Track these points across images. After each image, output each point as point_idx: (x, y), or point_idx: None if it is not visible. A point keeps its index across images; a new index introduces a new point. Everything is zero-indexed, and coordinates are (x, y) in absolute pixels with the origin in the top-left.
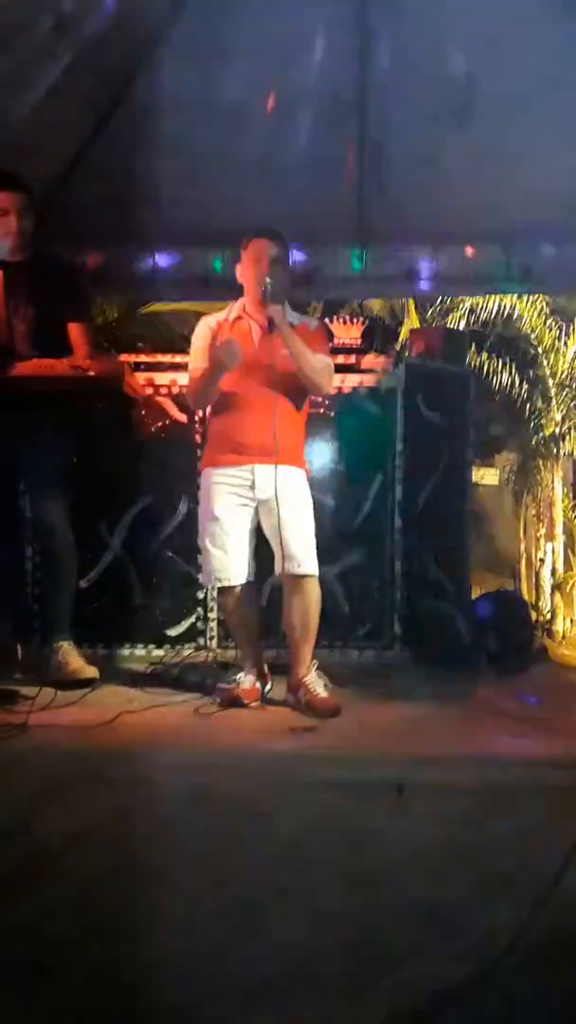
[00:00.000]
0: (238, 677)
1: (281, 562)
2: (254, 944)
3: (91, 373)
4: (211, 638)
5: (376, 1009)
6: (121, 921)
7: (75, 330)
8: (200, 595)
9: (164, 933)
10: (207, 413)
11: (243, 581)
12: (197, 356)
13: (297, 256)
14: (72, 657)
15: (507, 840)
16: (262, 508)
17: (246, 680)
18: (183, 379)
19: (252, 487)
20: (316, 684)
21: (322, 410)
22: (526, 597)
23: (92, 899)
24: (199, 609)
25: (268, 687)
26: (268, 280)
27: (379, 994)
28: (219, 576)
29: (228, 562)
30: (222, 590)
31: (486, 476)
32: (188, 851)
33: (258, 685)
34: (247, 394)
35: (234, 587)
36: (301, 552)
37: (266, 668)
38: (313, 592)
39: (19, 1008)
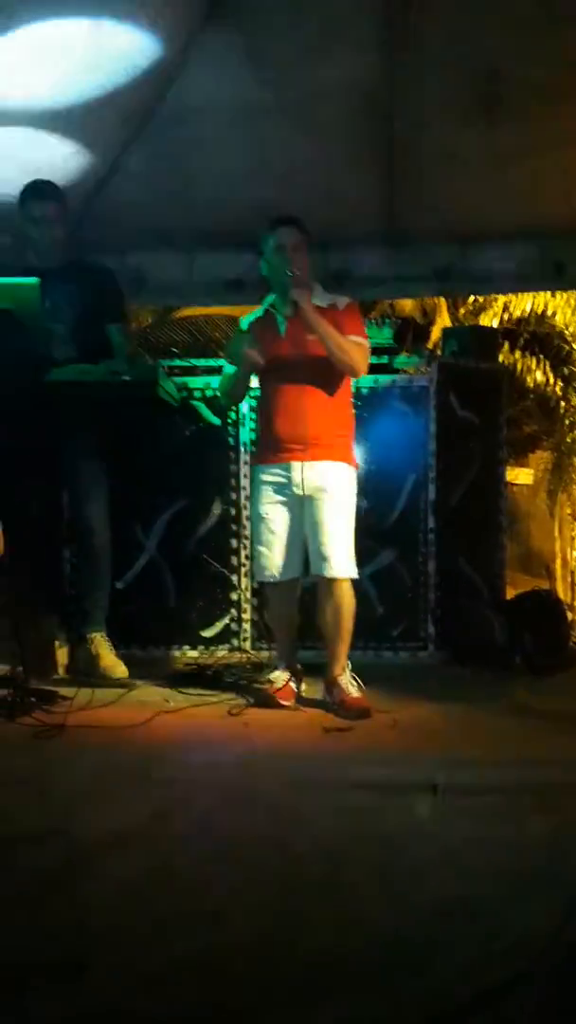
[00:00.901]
0: (272, 676)
1: (316, 563)
2: (286, 944)
3: (127, 378)
4: (245, 639)
5: (408, 1010)
6: (156, 921)
7: (113, 333)
8: (234, 596)
9: (198, 934)
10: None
11: (289, 577)
12: (227, 355)
13: (328, 257)
14: (104, 650)
15: (543, 841)
16: (304, 506)
17: (280, 679)
18: (216, 383)
19: (291, 484)
20: (349, 684)
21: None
22: (562, 597)
23: (129, 898)
24: (233, 611)
25: (303, 686)
26: (289, 264)
27: (411, 995)
28: (265, 572)
29: (274, 559)
30: (265, 585)
31: (520, 475)
32: (222, 851)
33: (292, 685)
34: (280, 388)
35: (278, 583)
36: (334, 555)
37: (299, 666)
38: (345, 595)
39: (58, 1006)
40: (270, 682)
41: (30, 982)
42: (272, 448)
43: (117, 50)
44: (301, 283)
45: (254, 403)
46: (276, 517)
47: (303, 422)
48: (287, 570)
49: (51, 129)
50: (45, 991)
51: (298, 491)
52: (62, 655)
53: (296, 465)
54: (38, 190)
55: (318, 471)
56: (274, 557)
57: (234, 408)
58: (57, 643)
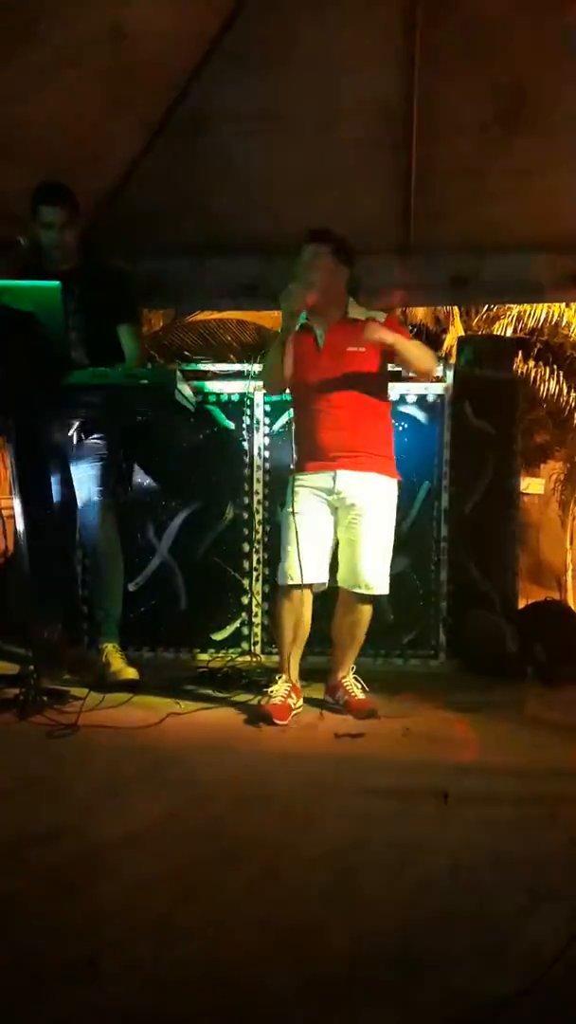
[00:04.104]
0: (271, 690)
1: (346, 577)
2: (295, 948)
3: (145, 381)
4: (255, 643)
5: (416, 1019)
6: (167, 922)
7: (124, 334)
8: (245, 600)
9: (208, 936)
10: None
11: (310, 581)
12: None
13: None
14: (115, 658)
15: (554, 851)
16: (341, 517)
17: (278, 694)
18: (230, 387)
19: (331, 492)
20: (354, 686)
21: None
22: (573, 607)
23: (140, 899)
24: (244, 614)
25: (299, 703)
26: (306, 280)
27: (419, 1004)
28: (292, 576)
29: (302, 562)
30: (285, 590)
31: (532, 485)
32: (233, 853)
33: (290, 702)
34: (321, 400)
35: (297, 587)
36: (370, 572)
37: (297, 682)
38: (367, 612)
39: (72, 1005)
40: (268, 696)
41: (44, 980)
42: (313, 457)
43: (136, 55)
44: (329, 298)
45: (268, 408)
46: (311, 520)
47: (345, 431)
48: (310, 574)
49: (67, 133)
50: (59, 989)
51: (337, 500)
52: (72, 656)
53: (339, 473)
54: (48, 194)
55: (360, 482)
56: (301, 559)
57: (248, 410)
58: (67, 643)
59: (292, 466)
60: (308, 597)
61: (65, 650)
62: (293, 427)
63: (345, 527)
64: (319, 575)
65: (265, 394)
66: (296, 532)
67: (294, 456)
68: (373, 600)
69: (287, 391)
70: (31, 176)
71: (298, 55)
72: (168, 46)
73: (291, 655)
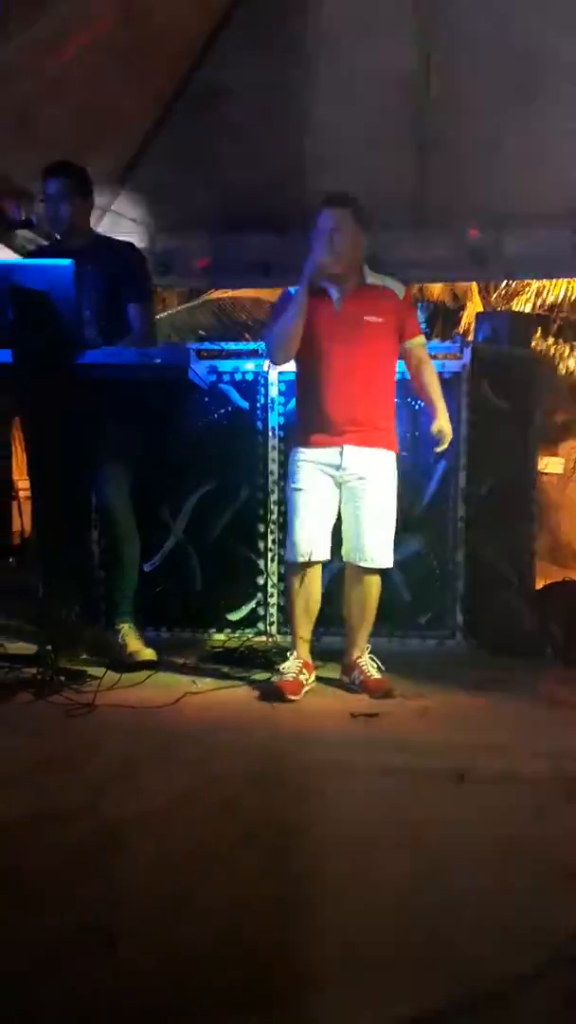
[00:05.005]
0: (283, 667)
1: (352, 551)
2: (309, 928)
3: (159, 360)
4: (271, 623)
5: (430, 998)
6: (183, 900)
7: (133, 310)
8: (260, 580)
9: (223, 914)
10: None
11: (319, 559)
12: (278, 311)
13: None
14: (132, 639)
15: (570, 831)
16: (346, 491)
17: (290, 671)
18: (245, 366)
19: (338, 467)
20: (370, 666)
21: None
22: None
23: (156, 877)
24: (259, 594)
25: (311, 679)
26: (326, 248)
27: (433, 983)
28: (303, 552)
29: (310, 538)
30: (296, 567)
31: (550, 464)
32: (249, 832)
33: (302, 678)
34: (331, 369)
35: (312, 564)
36: (374, 545)
37: (310, 658)
38: (374, 584)
39: (88, 981)
40: (280, 673)
41: (60, 957)
42: (319, 429)
43: (149, 29)
44: (343, 264)
45: (283, 387)
46: (317, 496)
47: (354, 404)
48: (319, 551)
49: (79, 110)
50: (75, 966)
51: (343, 475)
52: (89, 636)
53: (346, 449)
54: (49, 168)
55: (365, 456)
56: (310, 536)
57: (263, 389)
58: (84, 623)
59: (296, 437)
60: (317, 573)
61: (82, 630)
62: (297, 394)
63: (349, 501)
64: (324, 551)
65: (270, 364)
66: (305, 508)
67: (297, 426)
68: (379, 573)
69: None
70: (43, 154)
71: (312, 27)
72: (180, 19)
73: (302, 631)
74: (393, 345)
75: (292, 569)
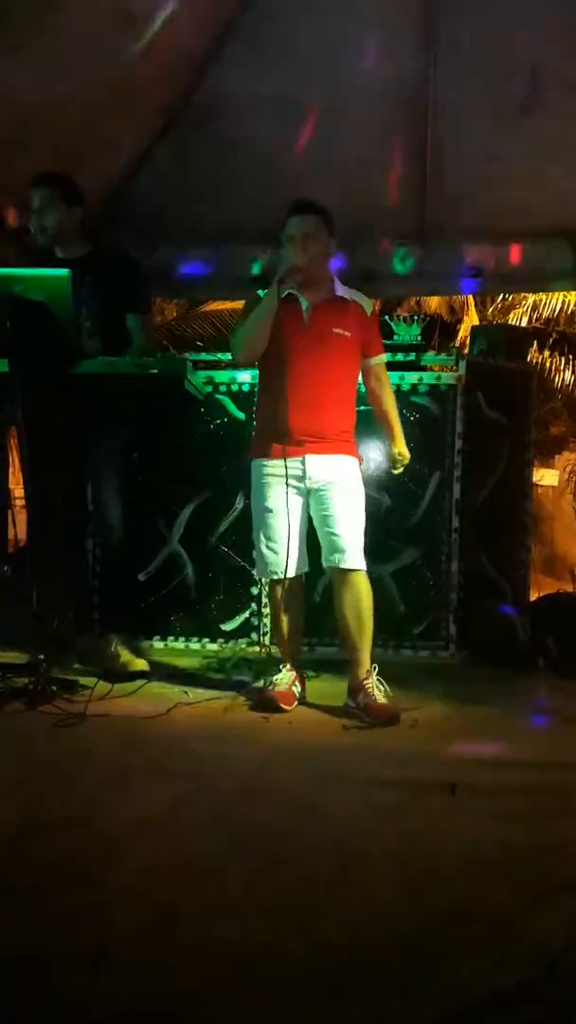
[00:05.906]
0: (275, 678)
1: (329, 555)
2: (301, 938)
3: (155, 371)
4: (264, 633)
5: (424, 1009)
6: (174, 911)
7: (132, 323)
8: (254, 590)
9: (215, 924)
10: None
11: (295, 574)
12: (247, 310)
13: (359, 253)
14: (123, 650)
15: (564, 843)
16: (313, 499)
17: (283, 681)
18: (241, 377)
19: (303, 478)
20: (376, 689)
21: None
22: None
23: (148, 887)
24: (253, 604)
25: (304, 690)
26: (295, 254)
27: (426, 994)
28: (273, 570)
29: (282, 555)
30: (272, 583)
31: (545, 477)
32: (240, 842)
33: (294, 689)
34: (297, 379)
35: (285, 580)
36: (350, 545)
37: (299, 670)
38: (363, 586)
39: (80, 992)
40: (273, 684)
41: (51, 968)
42: (280, 439)
43: (148, 41)
44: (294, 275)
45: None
46: (287, 511)
47: (318, 415)
48: (297, 565)
49: (80, 121)
50: (67, 977)
51: (308, 482)
52: (82, 645)
53: (310, 458)
54: (34, 179)
55: (328, 462)
56: (284, 553)
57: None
58: (77, 633)
59: (256, 446)
60: (298, 585)
61: (75, 639)
62: (259, 400)
63: (317, 506)
64: (301, 565)
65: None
66: (270, 528)
67: (256, 434)
68: (364, 576)
69: (256, 364)
70: (44, 166)
71: (313, 39)
72: (180, 31)
73: (290, 645)
74: (357, 359)
75: (270, 585)
